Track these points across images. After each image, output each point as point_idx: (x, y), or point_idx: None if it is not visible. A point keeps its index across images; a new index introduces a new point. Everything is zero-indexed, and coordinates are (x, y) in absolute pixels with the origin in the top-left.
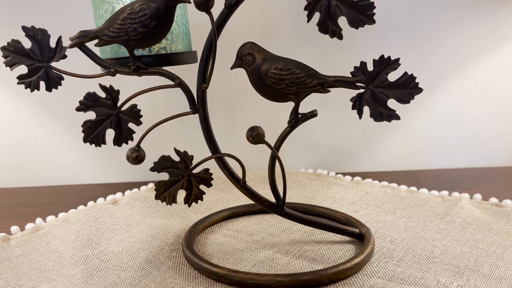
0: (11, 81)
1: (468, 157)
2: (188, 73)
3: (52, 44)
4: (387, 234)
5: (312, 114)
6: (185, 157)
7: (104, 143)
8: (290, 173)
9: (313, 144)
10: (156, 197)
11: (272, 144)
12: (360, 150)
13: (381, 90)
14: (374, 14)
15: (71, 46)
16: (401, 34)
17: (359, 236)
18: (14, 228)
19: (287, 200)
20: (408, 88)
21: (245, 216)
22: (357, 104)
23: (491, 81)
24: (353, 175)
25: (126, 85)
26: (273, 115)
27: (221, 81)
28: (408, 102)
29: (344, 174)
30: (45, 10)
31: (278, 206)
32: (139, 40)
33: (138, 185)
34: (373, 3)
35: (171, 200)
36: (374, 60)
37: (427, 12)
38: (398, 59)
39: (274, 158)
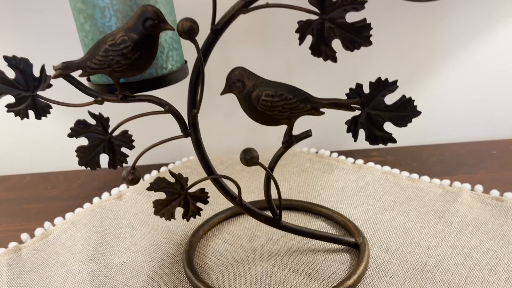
0: None
1: (471, 131)
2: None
3: (36, 73)
4: (383, 240)
5: (307, 135)
6: (180, 179)
7: (99, 166)
8: (292, 153)
9: (316, 120)
10: (155, 213)
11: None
12: None
13: (377, 112)
14: (371, 35)
15: (54, 77)
16: (402, 10)
17: (355, 245)
18: (24, 236)
19: (288, 195)
20: (406, 111)
21: (245, 215)
22: (352, 127)
23: (494, 55)
24: (356, 154)
25: (116, 109)
26: None
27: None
28: (405, 125)
29: (347, 154)
30: (29, 33)
31: (275, 220)
32: (123, 71)
33: (141, 169)
34: (369, 24)
35: (170, 216)
36: (370, 83)
37: None
38: (396, 81)
39: (269, 177)
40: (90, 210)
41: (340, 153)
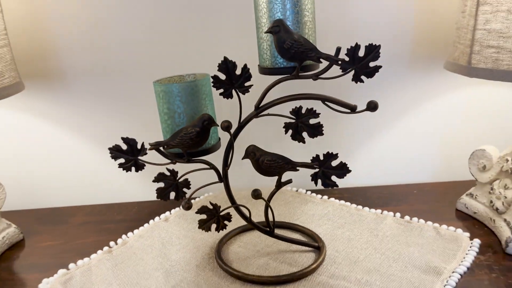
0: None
1: (402, 176)
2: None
3: (139, 146)
4: (335, 245)
5: (289, 182)
6: (215, 206)
7: (169, 199)
8: (280, 191)
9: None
10: (199, 228)
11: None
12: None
13: (328, 170)
14: (323, 132)
15: (150, 149)
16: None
17: (317, 247)
18: (111, 243)
19: (277, 218)
20: (343, 170)
21: (251, 230)
22: (314, 178)
23: (420, 124)
24: (323, 192)
25: (182, 167)
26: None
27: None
28: (343, 177)
29: (317, 192)
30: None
31: (271, 233)
32: (189, 146)
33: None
34: (322, 125)
35: (208, 229)
36: (323, 155)
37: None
38: (337, 154)
39: (267, 206)
40: (150, 227)
41: (312, 191)
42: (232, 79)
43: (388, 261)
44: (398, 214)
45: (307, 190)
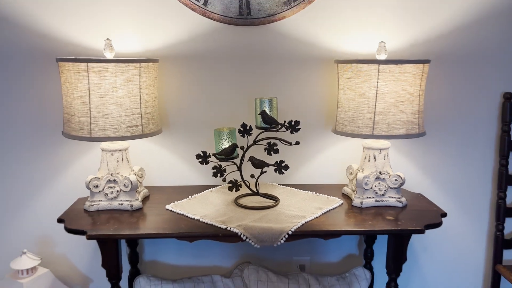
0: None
1: (322, 178)
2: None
3: (208, 154)
4: (283, 200)
5: (265, 171)
6: (236, 181)
7: (216, 176)
8: (262, 183)
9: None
10: (229, 189)
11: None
12: (294, 169)
13: (280, 167)
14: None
15: (213, 154)
16: None
17: (276, 200)
18: (192, 195)
19: (261, 191)
20: (285, 168)
21: (251, 195)
22: (277, 171)
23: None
24: (281, 182)
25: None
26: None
27: None
28: (286, 170)
29: (280, 184)
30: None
31: (257, 193)
32: (227, 154)
33: (209, 187)
34: (278, 149)
35: (231, 190)
36: (278, 161)
37: None
38: (284, 161)
39: (256, 181)
40: (205, 192)
41: (279, 184)
42: (245, 132)
43: (303, 205)
44: (314, 193)
45: (275, 183)
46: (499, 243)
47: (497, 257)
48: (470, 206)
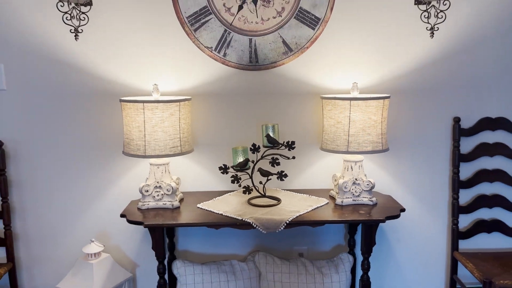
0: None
1: (313, 184)
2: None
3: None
4: (284, 200)
5: (270, 179)
6: (248, 186)
7: (233, 183)
8: (270, 188)
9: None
10: (243, 193)
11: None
12: (291, 177)
13: (281, 175)
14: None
15: (231, 166)
16: None
17: (279, 200)
18: (214, 198)
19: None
20: (284, 176)
21: (259, 197)
22: (279, 178)
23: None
24: (283, 187)
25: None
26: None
27: None
28: (285, 178)
29: (282, 188)
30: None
31: (264, 196)
32: (241, 167)
33: (228, 191)
34: (279, 162)
35: (245, 193)
36: (280, 171)
37: None
38: (284, 171)
39: (264, 186)
40: (224, 196)
41: (281, 188)
42: (255, 150)
43: (299, 204)
44: (307, 195)
45: (278, 188)
46: (455, 234)
47: (454, 246)
48: (432, 205)
